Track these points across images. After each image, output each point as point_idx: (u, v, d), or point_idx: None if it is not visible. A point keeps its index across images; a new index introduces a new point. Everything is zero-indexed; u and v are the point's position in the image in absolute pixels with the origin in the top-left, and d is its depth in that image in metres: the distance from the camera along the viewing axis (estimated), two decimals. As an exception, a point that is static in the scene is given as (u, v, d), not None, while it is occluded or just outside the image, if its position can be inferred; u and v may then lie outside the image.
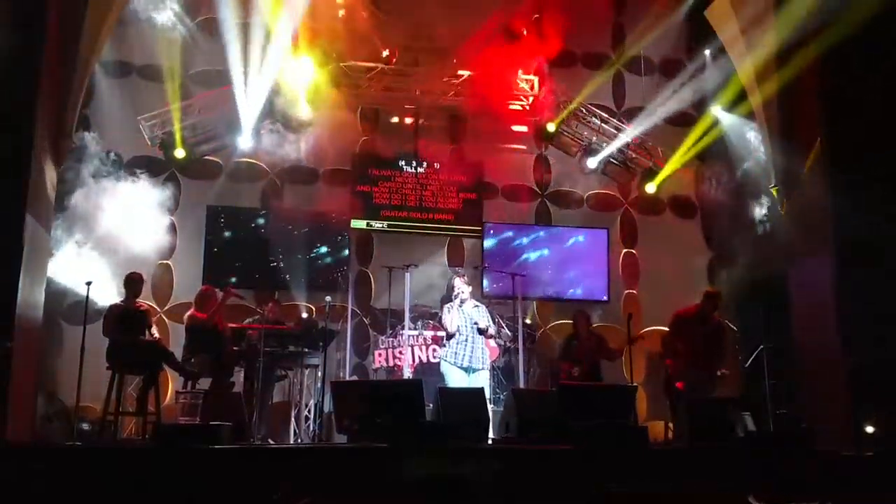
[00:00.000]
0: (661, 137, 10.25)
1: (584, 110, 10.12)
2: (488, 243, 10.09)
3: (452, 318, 7.25)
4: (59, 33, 7.82)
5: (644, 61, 10.86)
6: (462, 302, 7.34)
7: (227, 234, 9.47)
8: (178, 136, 9.08)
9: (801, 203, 8.74)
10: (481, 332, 7.24)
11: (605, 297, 10.19)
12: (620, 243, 10.54)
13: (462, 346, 7.21)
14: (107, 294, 7.67)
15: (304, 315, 8.66)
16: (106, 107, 9.27)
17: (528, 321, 8.92)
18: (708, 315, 7.91)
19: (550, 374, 9.08)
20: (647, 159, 10.08)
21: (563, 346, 8.72)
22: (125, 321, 7.23)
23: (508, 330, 8.77)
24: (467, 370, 7.18)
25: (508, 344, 8.72)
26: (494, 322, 7.80)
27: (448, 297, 9.30)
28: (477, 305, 7.45)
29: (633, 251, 10.57)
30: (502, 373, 8.70)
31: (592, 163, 10.05)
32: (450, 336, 7.26)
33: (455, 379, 7.17)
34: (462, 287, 7.39)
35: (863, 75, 7.57)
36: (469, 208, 10.15)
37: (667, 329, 8.33)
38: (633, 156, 10.11)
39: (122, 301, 7.40)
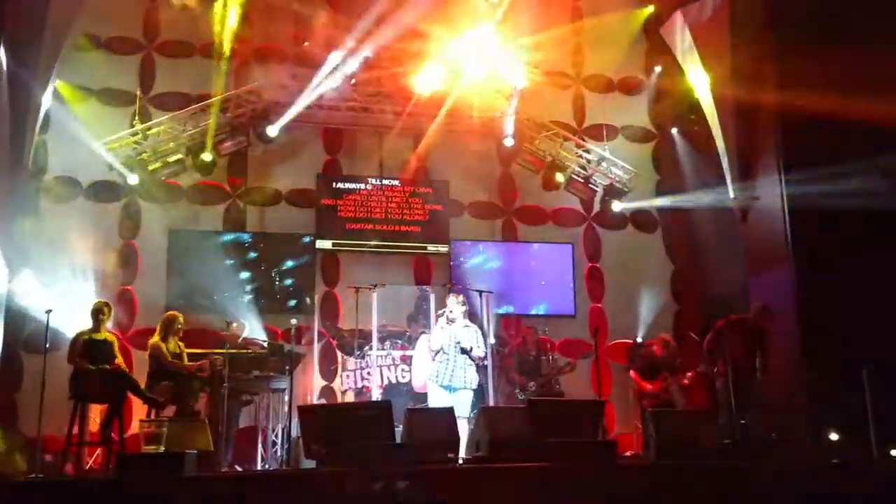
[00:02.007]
0: (621, 154, 10.41)
1: (545, 129, 10.22)
2: (455, 260, 10.10)
3: (436, 336, 7.28)
4: (13, 55, 7.73)
5: (603, 79, 11.02)
6: (451, 321, 7.29)
7: (189, 257, 9.33)
8: (137, 160, 8.96)
9: (759, 215, 8.93)
10: (464, 351, 7.21)
11: (572, 312, 10.26)
12: (585, 258, 10.63)
13: (443, 366, 7.18)
14: (66, 321, 7.51)
15: (264, 341, 8.48)
16: (64, 131, 9.11)
17: (491, 341, 8.91)
18: None
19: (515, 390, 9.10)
20: (608, 176, 10.20)
21: (517, 362, 8.94)
22: (91, 350, 7.09)
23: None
24: (448, 389, 7.15)
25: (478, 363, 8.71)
26: (485, 343, 7.61)
27: (415, 316, 9.35)
28: (468, 326, 7.37)
29: (598, 265, 10.66)
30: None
31: (560, 177, 10.14)
32: (434, 354, 7.26)
33: (437, 398, 7.14)
34: (453, 306, 7.32)
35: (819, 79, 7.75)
36: (435, 221, 10.13)
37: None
38: (594, 173, 10.23)
39: (88, 329, 7.24)
